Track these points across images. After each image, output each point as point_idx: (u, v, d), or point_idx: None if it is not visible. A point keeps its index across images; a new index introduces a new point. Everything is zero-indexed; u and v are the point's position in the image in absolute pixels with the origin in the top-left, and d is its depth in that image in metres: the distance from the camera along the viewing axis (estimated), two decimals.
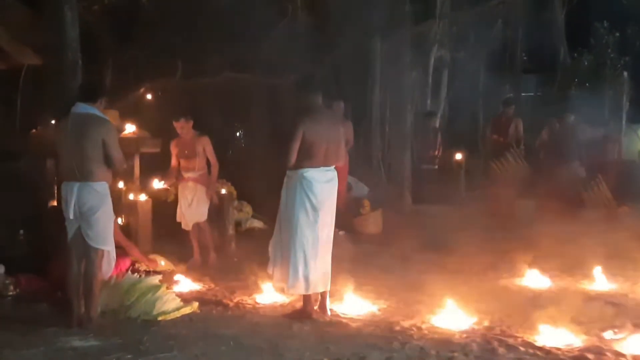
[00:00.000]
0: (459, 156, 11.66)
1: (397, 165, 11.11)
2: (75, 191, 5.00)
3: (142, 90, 10.75)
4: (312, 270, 5.20)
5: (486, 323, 5.08)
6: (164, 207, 7.68)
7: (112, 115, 6.97)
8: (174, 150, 7.26)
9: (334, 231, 5.44)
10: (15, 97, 8.60)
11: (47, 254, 5.97)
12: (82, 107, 5.08)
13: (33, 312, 5.48)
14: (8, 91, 8.93)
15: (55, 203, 6.63)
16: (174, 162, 7.30)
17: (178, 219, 7.31)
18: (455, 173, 11.46)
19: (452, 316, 5.11)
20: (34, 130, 7.54)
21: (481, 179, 11.30)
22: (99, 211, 5.04)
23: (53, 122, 6.59)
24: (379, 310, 5.52)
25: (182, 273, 6.65)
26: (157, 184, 7.34)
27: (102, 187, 5.07)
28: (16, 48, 7.01)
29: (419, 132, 11.66)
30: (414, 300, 5.72)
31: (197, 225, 7.25)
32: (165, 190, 7.79)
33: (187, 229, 7.29)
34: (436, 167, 11.43)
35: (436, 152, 11.44)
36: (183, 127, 7.07)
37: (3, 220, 6.52)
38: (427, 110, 12.91)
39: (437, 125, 12.45)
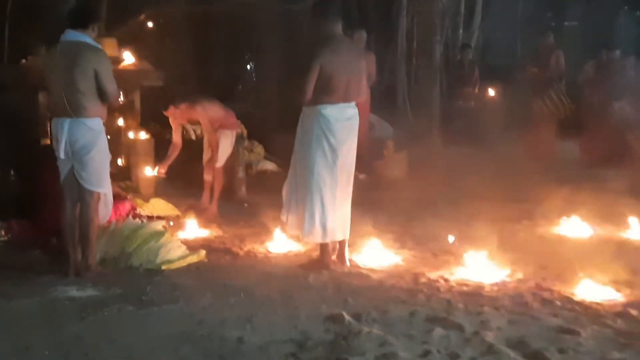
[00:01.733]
0: (493, 92, 11.49)
1: (425, 102, 10.98)
2: (65, 128, 4.96)
3: (143, 17, 10.62)
4: (329, 217, 5.17)
5: (520, 275, 5.05)
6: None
7: (109, 44, 6.92)
8: (173, 122, 7.11)
9: (354, 174, 5.39)
10: (2, 24, 8.52)
11: (40, 197, 5.98)
12: (71, 35, 4.99)
13: (26, 259, 5.52)
14: None
15: (48, 141, 6.62)
16: (175, 137, 7.16)
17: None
18: (490, 111, 11.31)
19: (482, 267, 5.08)
20: (23, 61, 7.47)
21: (519, 118, 11.14)
22: (93, 150, 5.00)
23: (44, 51, 6.52)
24: (403, 260, 5.51)
25: (188, 218, 6.66)
26: (150, 171, 7.18)
27: (95, 124, 5.02)
28: None
29: (452, 66, 11.50)
30: (441, 250, 5.71)
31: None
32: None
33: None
34: (472, 104, 11.28)
35: (473, 89, 11.28)
36: (174, 114, 6.96)
37: None
38: (462, 42, 12.68)
39: (472, 58, 12.24)
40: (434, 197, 7.30)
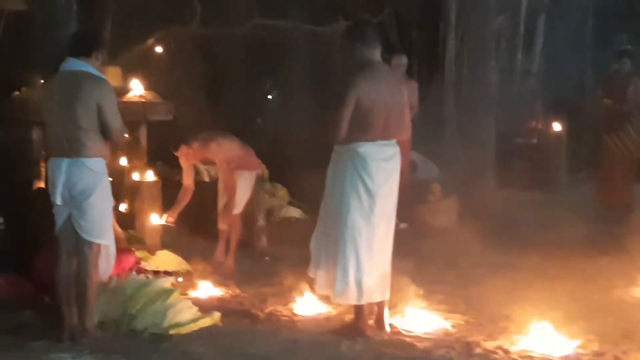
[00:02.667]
0: (558, 127, 11.49)
1: (478, 138, 10.98)
2: (63, 169, 5.03)
3: (151, 41, 10.85)
4: (366, 274, 5.18)
5: (595, 347, 5.00)
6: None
7: (113, 73, 7.08)
8: (184, 162, 7.23)
9: (395, 223, 5.41)
10: None
11: (32, 249, 6.08)
12: (73, 63, 5.11)
13: (15, 321, 5.56)
14: None
15: (42, 184, 6.74)
16: (186, 179, 7.28)
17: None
18: (554, 149, 11.30)
19: (549, 337, 5.03)
20: (16, 93, 7.65)
21: (589, 157, 11.10)
22: (93, 195, 5.07)
23: (41, 82, 6.68)
24: (453, 326, 5.49)
25: (200, 275, 6.71)
26: (157, 219, 7.26)
27: (97, 165, 5.10)
28: None
29: (510, 96, 11.53)
30: (500, 314, 5.66)
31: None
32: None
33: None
34: (534, 141, 11.28)
35: (535, 123, 11.29)
36: (187, 153, 7.10)
37: None
38: (521, 69, 12.75)
39: (534, 87, 12.29)
40: (488, 251, 7.27)
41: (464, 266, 6.98)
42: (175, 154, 7.11)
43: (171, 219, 7.21)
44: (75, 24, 6.30)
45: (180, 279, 6.57)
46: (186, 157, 7.15)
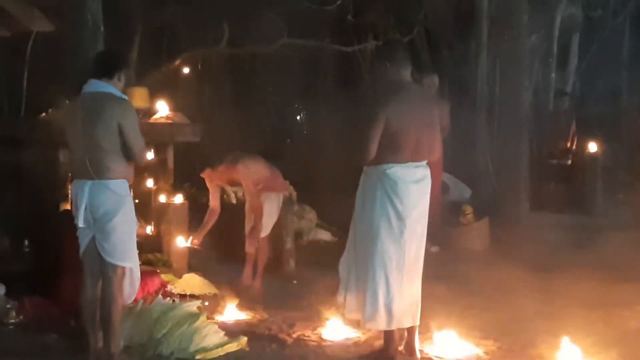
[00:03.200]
0: (594, 148, 11.40)
1: (511, 159, 10.91)
2: (86, 192, 5.06)
3: (178, 62, 10.94)
4: (396, 299, 5.15)
5: None
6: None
7: (140, 94, 7.14)
8: (210, 184, 7.28)
9: (426, 246, 5.38)
10: (21, 72, 8.86)
11: (58, 271, 6.12)
12: (95, 85, 5.15)
13: (40, 344, 5.60)
14: (13, 65, 9.20)
15: (68, 206, 6.79)
16: (213, 201, 7.32)
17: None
18: (590, 170, 11.20)
19: None
20: (43, 114, 7.72)
21: (626, 179, 11.00)
22: (117, 217, 5.09)
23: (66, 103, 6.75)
24: (486, 353, 5.44)
25: (228, 298, 6.72)
26: (183, 242, 7.27)
27: (120, 187, 5.13)
28: (23, 10, 7.20)
29: (544, 116, 11.48)
30: (533, 341, 5.60)
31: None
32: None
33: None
34: (569, 162, 11.22)
35: (569, 144, 11.23)
36: (212, 176, 7.14)
37: (4, 227, 6.72)
38: (555, 88, 12.69)
39: (569, 107, 12.21)
40: (522, 275, 7.19)
41: (497, 290, 6.91)
42: (201, 175, 7.14)
43: (197, 241, 7.23)
44: (103, 45, 6.35)
45: (207, 303, 6.57)
46: (212, 179, 7.17)
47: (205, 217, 7.28)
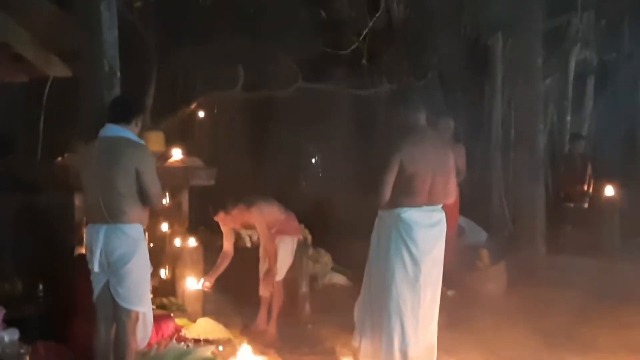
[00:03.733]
0: (610, 191, 11.36)
1: (527, 202, 10.90)
2: (101, 236, 5.09)
3: (193, 105, 11.02)
4: (411, 344, 5.12)
5: None
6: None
7: (156, 139, 7.20)
8: (224, 227, 7.28)
9: (442, 290, 5.35)
10: (37, 116, 8.93)
11: (72, 315, 6.11)
12: (112, 129, 5.20)
13: None
14: (29, 109, 9.29)
15: (83, 250, 6.80)
16: (226, 244, 7.32)
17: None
18: (607, 213, 11.15)
19: None
20: (59, 158, 7.77)
21: None
22: (131, 261, 5.10)
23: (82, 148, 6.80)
24: None
25: (242, 342, 6.68)
26: (194, 284, 7.24)
27: (135, 231, 5.15)
28: (40, 55, 7.27)
29: (559, 159, 11.47)
30: None
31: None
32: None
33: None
34: (585, 205, 11.19)
35: (585, 187, 11.21)
36: (225, 219, 7.16)
37: (19, 271, 6.73)
38: (571, 132, 12.71)
39: (584, 150, 12.22)
40: (540, 320, 7.14)
41: (514, 336, 6.83)
42: (215, 219, 7.15)
43: (208, 284, 7.20)
44: (119, 90, 6.42)
45: (221, 348, 6.53)
46: (226, 222, 7.18)
47: (217, 261, 7.28)
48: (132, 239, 5.13)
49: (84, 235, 5.56)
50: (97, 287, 5.20)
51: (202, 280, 7.22)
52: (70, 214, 6.71)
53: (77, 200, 6.68)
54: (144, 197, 5.14)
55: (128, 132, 5.20)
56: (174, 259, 7.41)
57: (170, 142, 7.57)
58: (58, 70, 7.26)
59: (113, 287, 5.12)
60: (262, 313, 7.27)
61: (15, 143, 9.15)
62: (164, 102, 10.26)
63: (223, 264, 7.26)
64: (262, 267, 7.26)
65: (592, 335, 6.71)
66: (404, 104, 5.32)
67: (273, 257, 7.07)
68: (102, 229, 5.09)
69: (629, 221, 11.12)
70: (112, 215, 5.07)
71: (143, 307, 5.24)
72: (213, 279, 7.22)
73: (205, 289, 7.21)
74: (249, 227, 7.55)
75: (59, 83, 7.92)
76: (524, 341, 6.66)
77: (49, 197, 6.79)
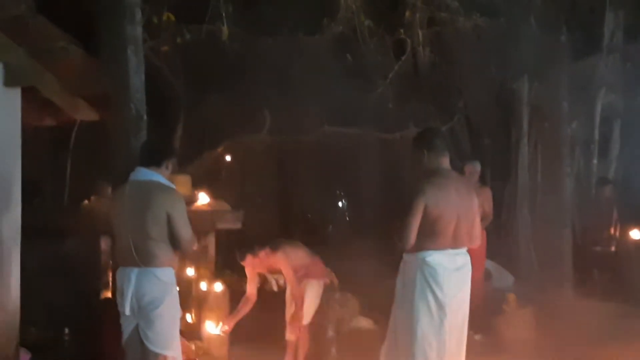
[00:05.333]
0: (637, 235, 11.23)
1: (554, 246, 10.79)
2: (133, 279, 5.09)
3: (220, 149, 11.07)
4: None
5: None
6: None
7: (183, 182, 7.21)
8: (249, 271, 7.25)
9: (468, 335, 5.28)
10: (64, 160, 9.03)
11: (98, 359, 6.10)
12: (143, 173, 5.22)
13: None
14: (56, 153, 9.39)
15: (109, 294, 6.81)
16: (250, 288, 7.29)
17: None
18: (634, 257, 11.00)
19: None
20: (86, 202, 7.85)
21: None
22: (162, 305, 5.10)
23: (110, 191, 6.84)
24: None
25: None
26: (213, 327, 7.20)
27: (166, 275, 5.15)
28: (68, 100, 7.36)
29: (586, 204, 11.37)
30: None
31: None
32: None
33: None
34: (612, 249, 11.07)
35: (612, 231, 11.11)
36: (253, 263, 7.14)
37: (45, 315, 6.75)
38: (598, 176, 12.62)
39: (611, 194, 12.11)
40: None
41: None
42: (242, 263, 7.12)
43: (226, 328, 7.15)
44: (146, 134, 6.46)
45: None
46: (253, 266, 7.15)
47: (239, 304, 7.23)
48: (164, 282, 5.14)
49: (111, 279, 5.56)
50: (127, 330, 5.20)
51: (220, 324, 7.18)
52: (97, 258, 6.76)
53: (103, 244, 6.72)
54: (175, 241, 5.15)
55: (159, 176, 5.22)
56: (200, 303, 7.39)
57: (196, 186, 7.60)
58: (85, 114, 7.36)
59: (142, 330, 5.12)
60: (289, 357, 7.21)
61: (42, 187, 9.23)
62: (190, 145, 10.32)
63: (245, 309, 7.21)
64: (289, 311, 7.21)
65: None
66: (427, 148, 5.30)
67: (299, 301, 7.02)
68: (134, 272, 5.10)
69: None
70: (143, 259, 5.08)
71: (172, 351, 5.22)
72: (233, 323, 7.17)
73: (223, 334, 7.15)
74: (275, 271, 7.53)
75: (85, 127, 8.02)
76: None
77: (75, 241, 6.84)
